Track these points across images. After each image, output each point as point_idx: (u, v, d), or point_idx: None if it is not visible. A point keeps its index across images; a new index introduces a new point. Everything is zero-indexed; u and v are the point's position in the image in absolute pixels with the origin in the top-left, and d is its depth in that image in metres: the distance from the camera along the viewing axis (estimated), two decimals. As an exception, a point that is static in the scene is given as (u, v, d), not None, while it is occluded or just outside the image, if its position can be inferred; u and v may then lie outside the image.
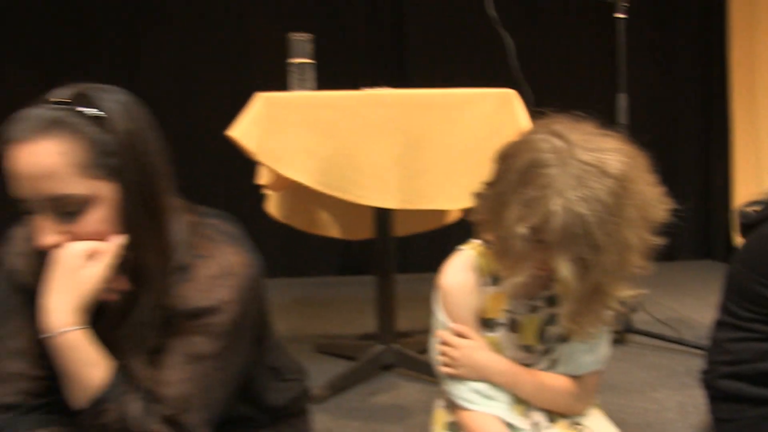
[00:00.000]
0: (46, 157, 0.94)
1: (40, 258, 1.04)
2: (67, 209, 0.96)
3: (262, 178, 2.27)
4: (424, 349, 2.48)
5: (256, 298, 1.12)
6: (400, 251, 4.32)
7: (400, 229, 2.36)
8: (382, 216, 2.22)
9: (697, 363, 2.34)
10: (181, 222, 1.08)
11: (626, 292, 1.21)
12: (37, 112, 0.96)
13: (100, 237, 0.99)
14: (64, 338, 0.97)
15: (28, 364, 1.08)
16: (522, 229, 1.15)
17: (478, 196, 1.36)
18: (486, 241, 1.40)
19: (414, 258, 4.03)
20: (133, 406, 1.00)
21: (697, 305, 3.25)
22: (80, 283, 0.98)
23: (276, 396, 1.29)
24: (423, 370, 2.26)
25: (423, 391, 2.18)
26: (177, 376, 1.03)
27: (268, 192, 2.38)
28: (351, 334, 2.85)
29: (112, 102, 0.99)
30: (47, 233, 0.97)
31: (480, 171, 1.90)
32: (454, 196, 1.94)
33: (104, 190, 0.98)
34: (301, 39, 2.02)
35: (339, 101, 1.94)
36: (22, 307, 1.08)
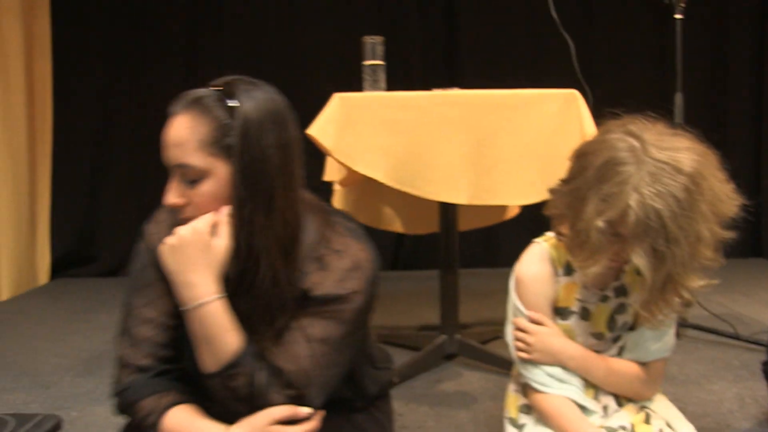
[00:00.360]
0: (180, 129, 1.11)
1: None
2: (189, 177, 1.11)
3: (332, 174, 2.38)
4: (485, 340, 2.58)
5: (377, 290, 1.24)
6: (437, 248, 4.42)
7: (462, 224, 2.44)
8: (448, 211, 2.32)
9: (750, 357, 2.41)
10: (313, 216, 1.21)
11: (697, 283, 1.28)
12: (190, 92, 1.14)
13: (210, 209, 1.12)
14: (207, 307, 1.10)
15: (158, 331, 1.21)
16: (600, 223, 1.24)
17: (554, 191, 1.44)
18: (560, 234, 1.49)
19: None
20: (260, 375, 1.11)
21: (747, 302, 3.29)
22: (214, 255, 1.12)
23: (370, 381, 1.40)
24: (485, 359, 2.35)
25: (485, 379, 2.27)
26: (302, 352, 1.14)
27: (337, 188, 2.49)
28: (408, 326, 2.95)
29: (249, 95, 1.12)
30: (172, 194, 1.13)
31: (545, 168, 2.02)
32: (520, 192, 2.03)
33: (219, 167, 1.11)
34: (373, 41, 2.12)
35: (411, 101, 2.03)
36: (156, 281, 1.21)
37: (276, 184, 1.13)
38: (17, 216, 3.93)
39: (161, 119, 3.97)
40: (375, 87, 2.13)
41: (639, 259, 1.24)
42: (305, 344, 1.15)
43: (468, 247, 4.13)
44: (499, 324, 2.89)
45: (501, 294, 3.53)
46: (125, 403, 1.20)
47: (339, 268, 1.17)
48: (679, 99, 2.55)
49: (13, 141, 3.90)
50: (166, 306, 1.20)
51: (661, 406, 1.52)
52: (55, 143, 4.28)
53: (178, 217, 1.15)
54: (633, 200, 1.19)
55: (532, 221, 3.79)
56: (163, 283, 1.19)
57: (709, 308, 2.81)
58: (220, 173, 1.11)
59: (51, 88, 4.21)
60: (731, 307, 3.12)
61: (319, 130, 1.97)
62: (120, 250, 4.44)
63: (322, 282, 1.16)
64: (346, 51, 4.33)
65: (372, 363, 1.41)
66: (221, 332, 1.11)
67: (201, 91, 1.14)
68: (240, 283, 1.14)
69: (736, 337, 2.57)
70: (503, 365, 2.31)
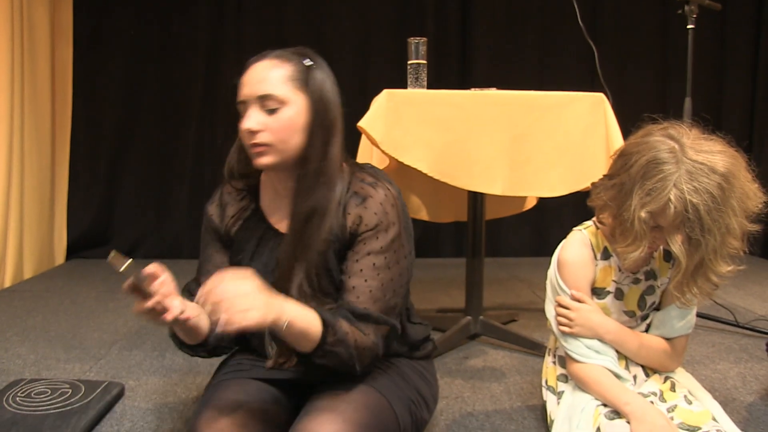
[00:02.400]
0: (266, 68, 1.36)
1: (223, 207, 1.51)
2: (269, 106, 1.33)
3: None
4: (503, 322, 2.77)
5: (409, 219, 1.46)
6: (456, 237, 4.61)
7: (487, 214, 2.62)
8: (477, 202, 2.50)
9: (748, 342, 2.63)
10: (350, 162, 1.47)
11: (725, 269, 1.47)
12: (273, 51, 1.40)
13: (286, 135, 1.34)
14: (287, 318, 1.23)
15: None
16: (643, 214, 1.43)
17: (597, 185, 1.63)
18: (601, 223, 1.67)
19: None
20: (343, 329, 1.30)
21: (740, 294, 3.53)
22: (259, 293, 1.22)
23: (412, 331, 1.57)
24: (506, 338, 2.54)
25: (509, 356, 2.46)
26: (368, 285, 1.35)
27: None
28: (429, 309, 3.13)
29: (321, 63, 1.42)
30: (252, 120, 1.34)
31: (573, 164, 2.20)
32: (550, 185, 2.22)
33: (297, 99, 1.35)
34: (417, 42, 2.29)
35: (454, 99, 2.20)
36: (211, 242, 1.52)
37: (336, 119, 1.39)
38: (40, 198, 4.05)
39: (180, 105, 4.29)
40: (417, 84, 2.30)
41: (676, 246, 1.42)
42: (368, 273, 1.36)
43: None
44: (513, 308, 3.12)
45: (506, 282, 3.77)
46: None
47: (375, 201, 1.38)
48: (688, 104, 2.74)
49: (39, 127, 4.01)
50: (219, 259, 1.50)
51: (683, 377, 1.72)
52: (73, 128, 4.39)
53: (251, 143, 1.35)
54: (673, 195, 1.38)
55: (533, 215, 4.04)
56: (214, 242, 1.52)
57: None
58: (297, 103, 1.35)
59: (71, 74, 4.32)
60: (726, 299, 3.34)
61: (369, 123, 2.13)
62: (134, 233, 4.58)
63: (364, 215, 1.37)
64: (365, 45, 4.52)
65: (410, 316, 1.60)
66: (304, 333, 1.26)
67: (275, 51, 1.40)
68: (307, 209, 1.36)
69: (736, 324, 2.79)
70: (524, 344, 2.50)
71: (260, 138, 1.34)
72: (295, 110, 1.35)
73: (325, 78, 1.40)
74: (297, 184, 1.38)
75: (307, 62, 1.38)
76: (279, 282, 1.37)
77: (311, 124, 1.36)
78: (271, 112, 1.34)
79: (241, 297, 1.15)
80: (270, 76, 1.34)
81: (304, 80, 1.36)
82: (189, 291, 1.49)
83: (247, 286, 1.17)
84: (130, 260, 1.23)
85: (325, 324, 1.28)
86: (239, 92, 1.38)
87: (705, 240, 1.39)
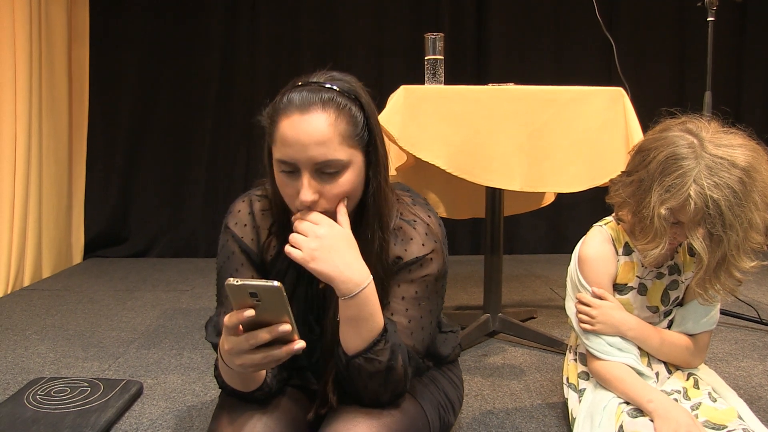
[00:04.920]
0: (321, 127, 1.15)
1: (257, 229, 1.34)
2: (328, 170, 1.17)
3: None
4: (522, 319, 2.75)
5: (447, 250, 1.38)
6: (473, 234, 4.59)
7: (505, 210, 2.59)
8: (495, 198, 2.47)
9: (772, 339, 2.58)
10: (399, 196, 1.37)
11: (748, 264, 1.44)
12: (309, 92, 1.17)
13: (346, 196, 1.20)
14: (366, 290, 1.19)
15: None
16: (663, 211, 1.41)
17: (616, 182, 1.61)
18: (620, 219, 1.65)
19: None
20: (402, 348, 1.24)
21: (762, 291, 3.47)
22: (353, 243, 1.21)
23: (441, 345, 1.54)
24: (525, 335, 2.52)
25: (528, 354, 2.44)
26: (406, 317, 1.28)
27: (392, 173, 2.63)
28: (449, 306, 3.12)
29: (356, 84, 1.24)
30: (310, 191, 1.17)
31: (591, 160, 2.18)
32: (567, 181, 2.19)
33: (357, 157, 1.21)
34: (434, 37, 2.27)
35: (471, 94, 2.18)
36: (241, 267, 1.34)
37: (386, 163, 1.29)
38: (57, 198, 4.07)
39: (195, 103, 4.28)
40: (435, 80, 2.28)
41: (697, 242, 1.40)
42: (408, 306, 1.29)
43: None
44: (531, 305, 3.09)
45: (523, 278, 3.74)
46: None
47: (418, 234, 1.30)
48: (708, 97, 2.70)
49: (57, 127, 4.03)
50: None
51: (707, 374, 1.69)
52: (90, 128, 4.41)
53: (311, 210, 1.19)
54: (693, 191, 1.36)
55: (549, 211, 4.01)
56: (246, 269, 1.33)
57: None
58: (358, 162, 1.21)
59: (88, 74, 4.34)
60: (748, 295, 3.30)
61: (386, 119, 2.12)
62: (150, 232, 4.61)
63: (408, 248, 1.29)
64: (379, 40, 4.50)
65: (439, 327, 1.55)
66: (375, 310, 1.21)
67: (318, 89, 1.19)
68: (379, 250, 1.26)
69: (759, 321, 2.74)
70: (543, 341, 2.48)
71: (317, 208, 1.20)
72: (355, 171, 1.21)
73: (374, 114, 1.24)
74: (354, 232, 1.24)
75: (352, 94, 1.21)
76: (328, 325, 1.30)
77: (368, 174, 1.24)
78: (331, 176, 1.18)
79: (336, 251, 1.15)
80: (329, 138, 1.15)
81: (359, 137, 1.20)
82: (216, 328, 1.32)
83: (351, 254, 1.18)
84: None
85: (386, 327, 1.23)
86: (281, 146, 1.17)
87: (727, 236, 1.37)
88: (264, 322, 1.07)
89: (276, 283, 1.01)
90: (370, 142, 1.23)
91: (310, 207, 1.18)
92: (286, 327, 1.06)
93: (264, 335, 1.07)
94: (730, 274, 1.45)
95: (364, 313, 1.19)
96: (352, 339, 1.21)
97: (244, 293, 1.03)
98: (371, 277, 1.20)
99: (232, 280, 1.02)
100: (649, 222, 1.44)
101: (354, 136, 1.19)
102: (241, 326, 1.08)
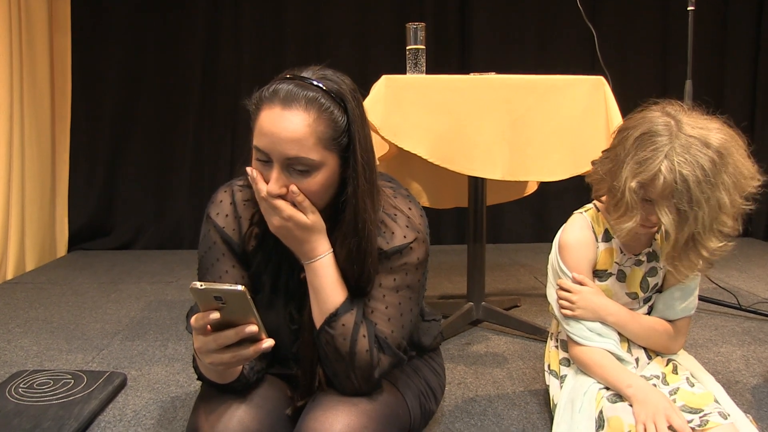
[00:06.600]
0: (299, 126, 1.15)
1: (239, 219, 1.34)
2: (298, 168, 1.18)
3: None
4: (505, 308, 2.76)
5: (428, 239, 1.38)
6: (457, 224, 4.60)
7: (488, 200, 2.60)
8: (478, 187, 2.48)
9: (751, 325, 2.63)
10: (381, 188, 1.36)
11: (716, 244, 1.45)
12: (296, 87, 1.17)
13: (316, 196, 1.21)
14: (322, 260, 1.24)
15: None
16: (633, 184, 1.43)
17: (596, 162, 1.63)
18: (598, 199, 1.67)
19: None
20: (362, 327, 1.25)
21: (742, 278, 3.51)
22: (317, 227, 1.24)
23: (423, 333, 1.54)
24: (508, 324, 2.53)
25: (511, 342, 2.45)
26: (383, 303, 1.29)
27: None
28: (433, 295, 3.13)
29: (347, 87, 1.22)
30: (276, 185, 1.18)
31: (573, 148, 2.19)
32: (550, 169, 2.20)
33: (331, 160, 1.20)
34: (415, 27, 2.27)
35: (452, 84, 2.18)
36: (222, 257, 1.34)
37: (375, 165, 1.28)
38: (41, 191, 4.04)
39: (178, 95, 4.25)
40: (416, 70, 2.28)
41: (664, 217, 1.42)
42: (388, 294, 1.30)
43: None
44: (514, 293, 3.11)
45: (507, 267, 3.76)
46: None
47: (400, 225, 1.31)
48: (689, 86, 2.72)
49: (39, 119, 4.00)
50: (233, 279, 1.33)
51: (686, 359, 1.71)
52: (73, 119, 4.38)
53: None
54: (664, 166, 1.39)
55: (534, 200, 4.02)
56: (228, 258, 1.34)
57: (706, 282, 3.01)
58: (331, 164, 1.21)
59: (70, 64, 4.30)
60: (728, 282, 3.33)
61: (368, 108, 2.09)
62: (134, 224, 4.59)
63: (391, 240, 1.30)
64: (363, 30, 4.49)
65: (422, 316, 1.56)
66: (331, 283, 1.25)
67: (303, 86, 1.18)
68: (355, 254, 1.26)
69: (739, 307, 2.77)
70: (526, 329, 2.50)
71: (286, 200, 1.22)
72: (328, 172, 1.21)
73: (362, 120, 1.23)
74: (332, 237, 1.27)
75: (338, 96, 1.20)
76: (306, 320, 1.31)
77: (354, 180, 1.22)
78: (300, 173, 1.19)
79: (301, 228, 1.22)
80: (305, 137, 1.16)
81: (338, 141, 1.20)
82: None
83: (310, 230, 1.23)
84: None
85: (344, 305, 1.25)
86: (259, 134, 1.19)
87: (693, 212, 1.39)
88: (231, 323, 1.08)
89: (240, 288, 1.02)
90: (349, 148, 1.22)
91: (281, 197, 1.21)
92: (253, 328, 1.08)
93: (231, 335, 1.09)
94: (699, 254, 1.46)
95: (321, 282, 1.25)
96: (315, 310, 1.26)
97: (209, 297, 1.04)
98: (329, 251, 1.26)
99: (196, 284, 1.04)
100: (621, 195, 1.46)
101: (331, 139, 1.19)
102: (209, 326, 1.10)
